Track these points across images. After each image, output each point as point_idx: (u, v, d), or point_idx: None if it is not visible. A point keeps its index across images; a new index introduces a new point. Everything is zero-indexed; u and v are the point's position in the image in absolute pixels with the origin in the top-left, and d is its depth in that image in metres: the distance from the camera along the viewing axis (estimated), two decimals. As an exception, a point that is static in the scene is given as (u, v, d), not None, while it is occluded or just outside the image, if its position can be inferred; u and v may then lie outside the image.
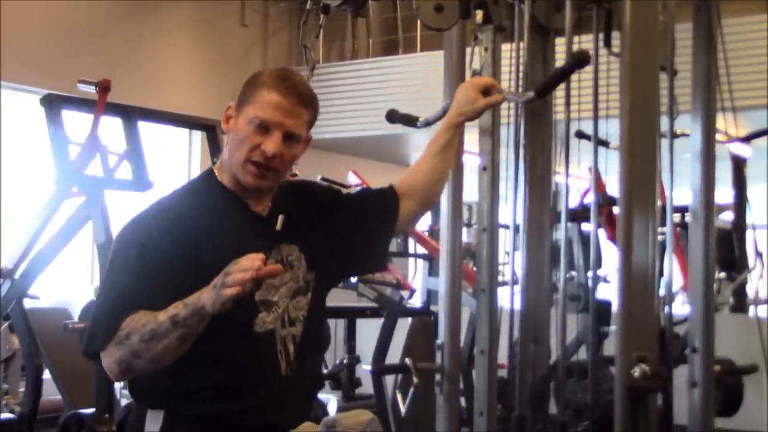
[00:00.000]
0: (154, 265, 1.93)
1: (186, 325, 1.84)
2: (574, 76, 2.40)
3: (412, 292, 5.37)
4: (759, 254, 6.66)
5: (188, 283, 1.87)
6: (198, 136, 8.18)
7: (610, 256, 2.73)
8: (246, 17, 9.51)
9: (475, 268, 3.00)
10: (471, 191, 2.74)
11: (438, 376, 2.65)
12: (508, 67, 2.60)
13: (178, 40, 8.86)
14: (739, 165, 7.03)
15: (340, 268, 2.24)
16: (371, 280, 5.06)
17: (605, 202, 3.27)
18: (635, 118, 2.32)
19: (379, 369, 4.64)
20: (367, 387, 5.19)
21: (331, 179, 5.31)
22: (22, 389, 4.74)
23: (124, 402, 4.71)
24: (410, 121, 2.70)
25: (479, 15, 2.56)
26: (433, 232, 6.86)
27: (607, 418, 2.32)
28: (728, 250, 6.75)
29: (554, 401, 2.66)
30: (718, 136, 3.07)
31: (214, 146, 4.58)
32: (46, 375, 4.53)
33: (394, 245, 6.71)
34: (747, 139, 4.81)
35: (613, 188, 2.36)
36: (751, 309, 6.59)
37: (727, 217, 6.95)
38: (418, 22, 3.09)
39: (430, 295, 5.14)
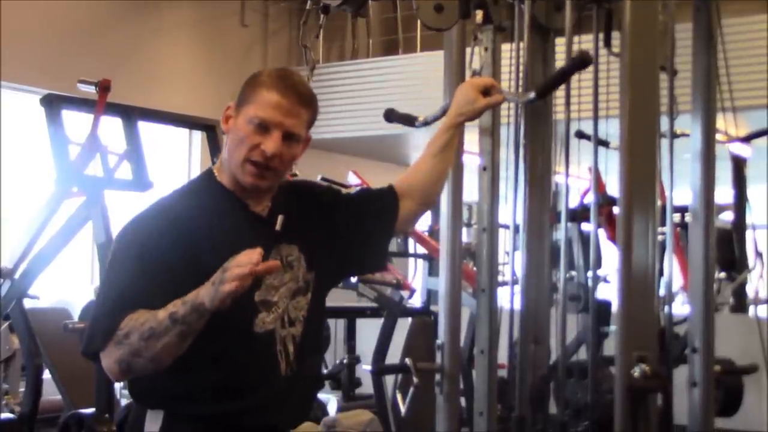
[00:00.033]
0: (153, 265, 1.93)
1: (185, 323, 1.84)
2: (574, 76, 2.40)
3: (412, 292, 5.37)
4: (759, 254, 6.65)
5: (188, 284, 1.87)
6: (198, 136, 8.18)
7: (610, 256, 2.73)
8: (246, 17, 9.51)
9: (475, 268, 3.00)
10: (471, 191, 2.74)
11: (438, 376, 2.65)
12: (508, 67, 2.60)
13: (178, 40, 8.86)
14: (739, 165, 7.03)
15: (339, 268, 2.24)
16: (371, 280, 5.06)
17: (605, 202, 3.26)
18: (635, 118, 2.32)
19: (379, 369, 4.64)
20: (367, 387, 5.19)
21: (331, 179, 5.31)
22: (22, 389, 4.74)
23: (124, 402, 4.71)
24: (409, 120, 2.70)
25: (479, 15, 2.56)
26: (433, 232, 6.86)
27: (607, 418, 2.32)
28: (728, 250, 6.75)
29: (554, 401, 2.66)
30: (718, 136, 3.07)
31: (214, 146, 4.58)
32: (46, 375, 4.53)
33: (394, 245, 6.71)
34: (747, 139, 4.80)
35: (613, 188, 2.36)
36: (751, 309, 6.59)
37: (727, 217, 6.95)
38: (418, 22, 3.09)
39: (430, 295, 5.14)
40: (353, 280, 4.91)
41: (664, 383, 2.25)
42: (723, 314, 6.59)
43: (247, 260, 1.79)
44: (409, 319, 5.19)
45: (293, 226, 2.07)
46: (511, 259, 2.72)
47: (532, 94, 2.38)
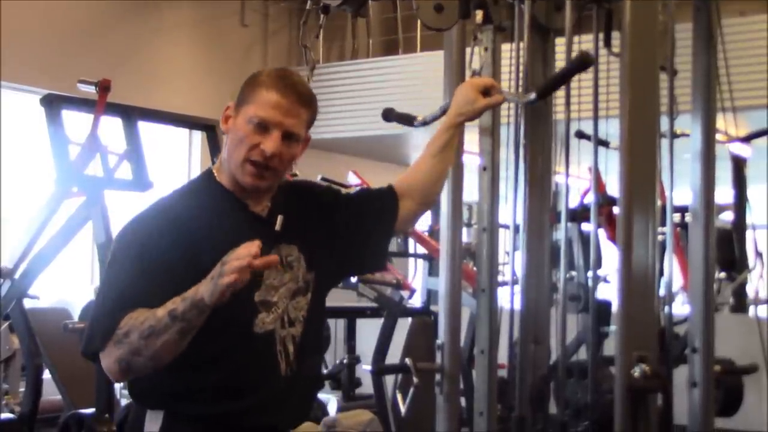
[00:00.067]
0: (153, 265, 1.93)
1: (185, 319, 1.84)
2: (574, 77, 2.40)
3: (412, 292, 5.37)
4: (759, 254, 6.66)
5: (188, 284, 1.87)
6: (198, 136, 8.18)
7: (610, 256, 2.73)
8: (246, 17, 9.51)
9: (475, 268, 3.00)
10: (471, 191, 2.74)
11: (438, 376, 2.65)
12: (508, 67, 2.60)
13: (178, 40, 8.87)
14: (739, 165, 7.04)
15: (339, 268, 2.24)
16: (371, 280, 5.06)
17: (605, 202, 3.27)
18: (635, 118, 2.32)
19: (379, 369, 4.64)
20: (367, 387, 5.19)
21: (331, 179, 5.32)
22: (22, 389, 4.74)
23: (124, 402, 4.71)
24: (407, 120, 2.70)
25: (479, 15, 2.56)
26: (433, 232, 6.86)
27: (607, 418, 2.31)
28: (728, 250, 6.75)
29: (554, 401, 2.66)
30: (718, 136, 3.07)
31: (214, 146, 4.58)
32: (46, 375, 4.53)
33: (394, 245, 6.72)
34: (747, 139, 4.80)
35: (613, 188, 2.36)
36: (751, 309, 6.59)
37: (727, 217, 6.95)
38: (418, 22, 3.09)
39: (430, 295, 5.14)
40: (353, 280, 4.91)
41: (664, 383, 2.25)
42: (723, 314, 6.59)
43: (245, 252, 1.79)
44: (409, 319, 5.19)
45: (293, 226, 2.07)
46: (511, 259, 2.72)
47: (532, 95, 2.38)
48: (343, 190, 2.39)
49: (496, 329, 2.61)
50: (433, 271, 5.13)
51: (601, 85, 2.57)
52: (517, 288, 2.63)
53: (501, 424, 2.62)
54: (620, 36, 2.36)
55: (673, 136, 2.82)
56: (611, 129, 2.55)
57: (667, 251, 3.08)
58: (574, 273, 4.83)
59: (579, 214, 4.53)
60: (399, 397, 4.65)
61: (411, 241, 6.90)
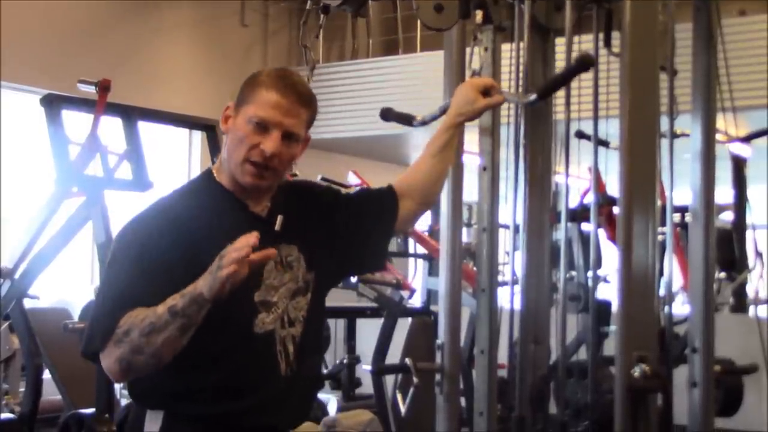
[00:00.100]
0: (153, 265, 1.93)
1: (185, 315, 1.84)
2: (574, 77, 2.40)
3: (412, 292, 5.37)
4: (759, 254, 6.66)
5: (187, 284, 1.86)
6: (198, 136, 8.18)
7: (610, 256, 2.73)
8: (246, 17, 9.51)
9: (475, 268, 3.00)
10: (471, 191, 2.74)
11: (438, 376, 2.65)
12: (508, 67, 2.60)
13: (178, 40, 8.87)
14: (739, 165, 7.04)
15: (339, 268, 2.24)
16: (371, 280, 5.06)
17: (605, 202, 3.27)
18: (635, 118, 2.32)
19: (379, 369, 4.64)
20: (367, 387, 5.19)
21: (331, 179, 5.32)
22: (22, 389, 4.74)
23: (124, 402, 4.71)
24: (405, 119, 2.70)
25: (479, 15, 2.56)
26: (433, 232, 6.87)
27: (607, 418, 2.31)
28: (728, 250, 6.76)
29: (554, 401, 2.66)
30: (718, 136, 3.07)
31: (214, 146, 4.58)
32: (46, 375, 4.53)
33: (394, 245, 6.72)
34: (747, 139, 4.80)
35: (613, 188, 2.36)
36: (751, 309, 6.59)
37: (727, 217, 6.95)
38: (418, 22, 3.09)
39: (430, 295, 5.14)
40: (353, 280, 4.91)
41: (664, 383, 2.25)
42: (723, 314, 6.59)
43: (244, 243, 1.79)
44: (409, 319, 5.19)
45: (293, 226, 2.07)
46: (511, 259, 2.72)
47: (533, 96, 2.38)
48: (343, 190, 2.39)
49: (496, 329, 2.61)
50: (433, 271, 5.13)
51: (601, 85, 2.56)
52: (517, 288, 2.63)
53: (501, 424, 2.62)
54: (620, 36, 2.35)
55: (673, 136, 2.82)
56: (611, 129, 2.55)
57: (667, 251, 3.08)
58: (574, 273, 4.83)
59: (579, 214, 4.53)
60: (399, 397, 4.65)
61: (411, 241, 6.90)
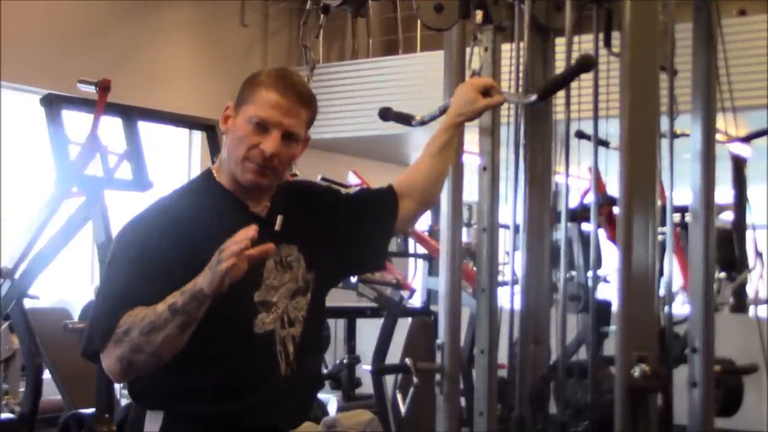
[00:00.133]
0: (153, 265, 1.93)
1: (185, 312, 1.84)
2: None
3: (412, 292, 5.37)
4: (759, 254, 6.66)
5: (187, 283, 1.87)
6: (198, 136, 8.18)
7: (610, 256, 2.73)
8: (246, 17, 9.51)
9: (475, 268, 3.00)
10: (471, 191, 2.74)
11: (438, 376, 2.65)
12: (508, 67, 2.60)
13: (178, 40, 8.87)
14: (739, 165, 7.04)
15: (339, 268, 2.24)
16: (371, 280, 5.06)
17: (605, 202, 3.27)
18: (635, 118, 2.32)
19: (379, 369, 4.64)
20: (367, 387, 5.19)
21: (331, 179, 5.32)
22: (22, 389, 4.74)
23: (124, 402, 4.71)
24: (404, 119, 2.70)
25: (479, 15, 2.56)
26: (433, 232, 6.87)
27: (607, 418, 2.31)
28: (728, 250, 6.76)
29: (554, 401, 2.66)
30: (718, 136, 3.07)
31: (214, 146, 4.58)
32: (46, 375, 4.53)
33: (394, 245, 6.72)
34: (747, 139, 4.80)
35: (613, 188, 2.36)
36: (751, 309, 6.59)
37: (727, 217, 6.95)
38: (418, 22, 3.09)
39: (430, 295, 5.14)
40: (353, 280, 4.91)
41: (664, 383, 2.25)
42: (723, 314, 6.59)
43: (242, 236, 1.79)
44: (409, 319, 5.19)
45: (293, 226, 2.07)
46: (511, 259, 2.72)
47: (534, 97, 2.38)
48: (343, 190, 2.39)
49: (496, 329, 2.61)
50: (433, 271, 5.13)
51: (601, 85, 2.57)
52: (517, 288, 2.63)
53: (501, 424, 2.62)
54: (620, 36, 2.36)
55: (673, 136, 2.82)
56: (611, 129, 2.55)
57: (667, 251, 3.08)
58: (574, 273, 4.83)
59: (579, 214, 4.53)
60: (399, 397, 4.65)
61: (411, 241, 6.90)
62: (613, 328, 2.43)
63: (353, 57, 9.53)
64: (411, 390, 2.91)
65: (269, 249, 1.85)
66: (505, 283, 3.29)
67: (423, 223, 7.06)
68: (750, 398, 4.30)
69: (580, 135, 3.40)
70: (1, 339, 4.75)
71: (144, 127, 4.32)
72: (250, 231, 1.79)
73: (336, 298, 2.56)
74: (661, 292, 2.65)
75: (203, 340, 1.89)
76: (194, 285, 1.83)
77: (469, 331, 4.26)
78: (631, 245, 2.27)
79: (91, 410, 4.00)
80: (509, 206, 2.61)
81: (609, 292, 3.03)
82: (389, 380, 4.79)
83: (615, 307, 2.32)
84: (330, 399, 5.20)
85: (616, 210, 2.38)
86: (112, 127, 4.25)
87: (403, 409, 4.58)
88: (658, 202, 2.42)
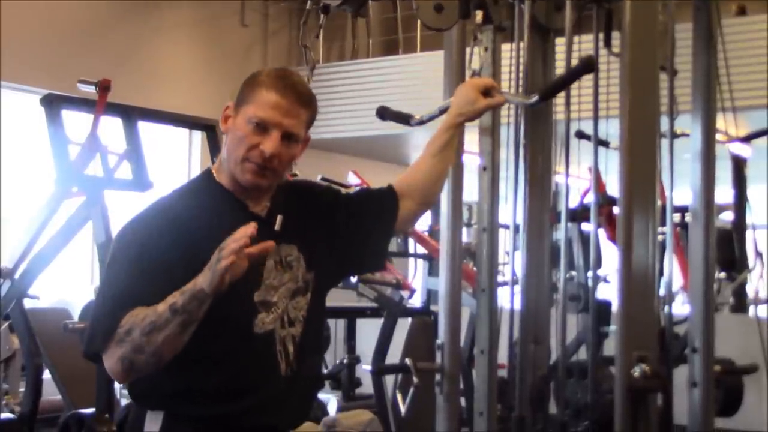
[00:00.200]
0: (153, 265, 1.93)
1: (186, 311, 1.84)
2: (575, 78, 2.40)
3: (412, 292, 5.37)
4: (759, 254, 6.67)
5: (187, 283, 1.87)
6: (198, 136, 8.18)
7: (610, 256, 2.73)
8: (246, 17, 9.51)
9: (475, 268, 3.00)
10: (471, 191, 2.74)
11: (438, 376, 2.65)
12: (508, 67, 2.60)
13: (178, 39, 8.87)
14: (739, 165, 7.05)
15: (339, 268, 2.24)
16: (371, 280, 5.06)
17: (605, 202, 3.27)
18: (635, 118, 2.32)
19: (379, 369, 4.64)
20: (367, 387, 5.19)
21: (331, 179, 5.32)
22: (22, 389, 4.74)
23: (124, 402, 4.71)
24: (403, 119, 2.70)
25: (479, 15, 2.56)
26: (433, 232, 6.87)
27: (607, 418, 2.31)
28: (728, 250, 6.76)
29: (554, 401, 2.66)
30: (718, 136, 3.07)
31: (214, 146, 4.58)
32: (46, 375, 4.53)
33: (394, 245, 6.72)
34: (747, 139, 4.81)
35: (613, 188, 2.36)
36: (751, 309, 6.60)
37: (727, 217, 6.96)
38: (418, 22, 3.09)
39: (430, 295, 5.14)
40: (353, 280, 4.91)
41: (664, 383, 2.25)
42: (723, 314, 6.60)
43: (242, 233, 1.79)
44: (409, 319, 5.19)
45: (292, 226, 2.07)
46: (511, 259, 2.72)
47: (535, 98, 2.38)
48: (343, 190, 2.39)
49: (496, 329, 2.61)
50: (433, 271, 5.13)
51: (601, 85, 2.57)
52: (517, 288, 2.63)
53: (501, 424, 2.62)
54: (620, 36, 2.35)
55: (673, 136, 2.82)
56: (611, 129, 2.55)
57: (667, 251, 3.08)
58: (574, 273, 4.83)
59: (579, 214, 4.53)
60: (399, 397, 4.64)
61: (411, 241, 6.90)
62: (613, 328, 2.43)
63: (353, 57, 9.53)
64: (411, 390, 2.91)
65: (269, 247, 1.85)
66: (505, 283, 3.29)
67: (423, 223, 7.06)
68: (750, 398, 4.30)
69: (580, 135, 3.40)
70: (1, 339, 4.75)
71: (144, 127, 4.32)
72: (249, 228, 1.79)
73: (336, 298, 2.56)
74: (661, 292, 2.65)
75: (203, 340, 1.89)
76: (194, 284, 1.83)
77: (469, 331, 4.26)
78: (631, 245, 2.27)
79: (91, 410, 4.00)
80: (509, 206, 2.61)
81: (609, 292, 3.03)
82: (389, 380, 4.79)
83: (615, 307, 2.32)
84: (330, 399, 5.20)
85: (616, 210, 2.38)
86: (112, 127, 4.25)
87: (403, 409, 4.58)
88: (658, 202, 2.42)
